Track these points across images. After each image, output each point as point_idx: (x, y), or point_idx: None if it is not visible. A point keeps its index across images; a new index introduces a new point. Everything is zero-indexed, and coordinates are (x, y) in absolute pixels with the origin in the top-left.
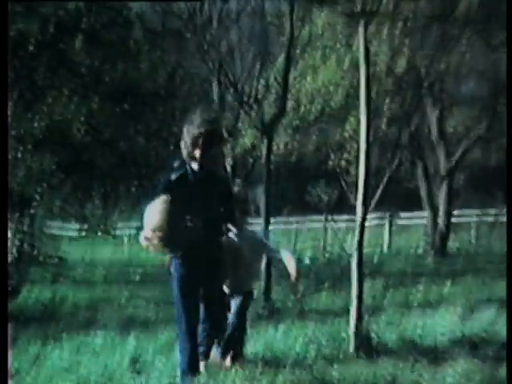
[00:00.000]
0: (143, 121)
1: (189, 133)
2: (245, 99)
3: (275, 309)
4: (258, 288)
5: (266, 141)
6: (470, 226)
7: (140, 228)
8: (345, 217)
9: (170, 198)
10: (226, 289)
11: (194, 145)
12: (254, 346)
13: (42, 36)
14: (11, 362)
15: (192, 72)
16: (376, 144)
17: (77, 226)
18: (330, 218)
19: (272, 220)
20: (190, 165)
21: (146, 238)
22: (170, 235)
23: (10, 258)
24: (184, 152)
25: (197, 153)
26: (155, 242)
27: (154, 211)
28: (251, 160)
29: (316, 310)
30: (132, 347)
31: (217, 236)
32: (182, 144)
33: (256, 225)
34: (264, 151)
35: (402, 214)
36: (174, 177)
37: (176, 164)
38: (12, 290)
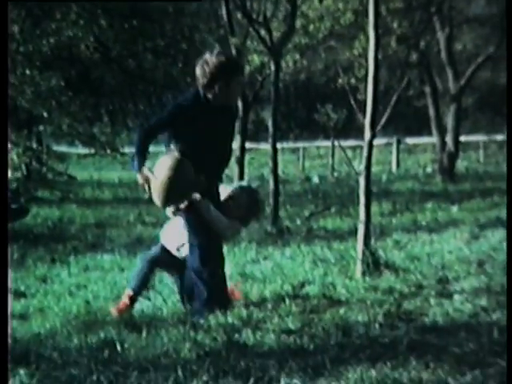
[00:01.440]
0: (151, 38)
1: (208, 63)
2: (253, 17)
3: (284, 228)
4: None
5: (274, 59)
6: (478, 146)
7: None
8: (353, 139)
9: (181, 157)
10: None
11: (213, 74)
12: (263, 265)
13: None
14: (15, 283)
15: None
16: (385, 63)
17: (85, 145)
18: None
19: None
20: (205, 95)
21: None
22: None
23: (19, 175)
24: (200, 81)
25: (215, 83)
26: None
27: (165, 166)
28: (260, 79)
29: (324, 230)
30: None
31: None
32: (199, 71)
33: (265, 143)
34: (273, 70)
35: (411, 134)
36: (185, 103)
37: (191, 92)
38: (20, 208)
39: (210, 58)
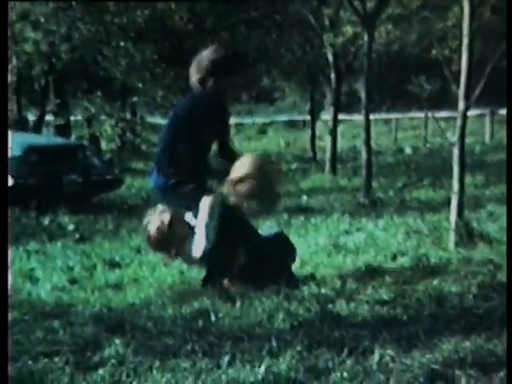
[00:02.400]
0: (245, 9)
1: (204, 57)
2: None
3: (377, 199)
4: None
5: (367, 30)
6: None
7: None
8: (446, 110)
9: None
10: None
11: (208, 69)
12: (356, 237)
13: None
14: (110, 253)
15: None
16: (479, 33)
17: None
18: (431, 109)
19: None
20: (200, 93)
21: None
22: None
23: (113, 146)
24: (194, 77)
25: (210, 78)
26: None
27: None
28: (353, 50)
29: (417, 201)
30: None
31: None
32: (194, 69)
33: (358, 114)
34: (366, 40)
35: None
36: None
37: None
38: (115, 179)
39: (207, 53)
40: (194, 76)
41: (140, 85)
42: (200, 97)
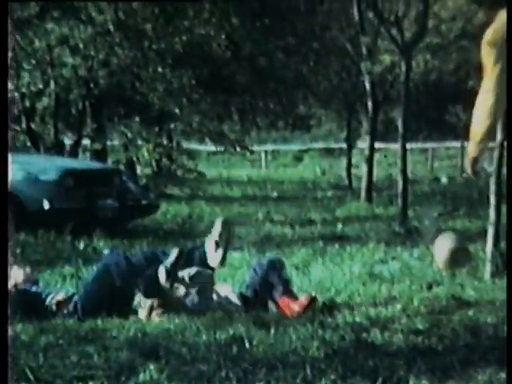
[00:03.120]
0: (283, 36)
1: None
2: (385, 16)
3: (412, 228)
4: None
5: (405, 59)
6: None
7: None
8: None
9: None
10: None
11: None
12: (391, 266)
13: None
14: None
15: None
16: None
17: (214, 142)
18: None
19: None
20: None
21: None
22: None
23: (149, 171)
24: None
25: None
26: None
27: None
28: (390, 78)
29: (453, 231)
30: None
31: None
32: None
33: (394, 143)
34: (403, 69)
35: None
36: None
37: None
38: (150, 204)
39: None
40: None
41: (177, 110)
42: None
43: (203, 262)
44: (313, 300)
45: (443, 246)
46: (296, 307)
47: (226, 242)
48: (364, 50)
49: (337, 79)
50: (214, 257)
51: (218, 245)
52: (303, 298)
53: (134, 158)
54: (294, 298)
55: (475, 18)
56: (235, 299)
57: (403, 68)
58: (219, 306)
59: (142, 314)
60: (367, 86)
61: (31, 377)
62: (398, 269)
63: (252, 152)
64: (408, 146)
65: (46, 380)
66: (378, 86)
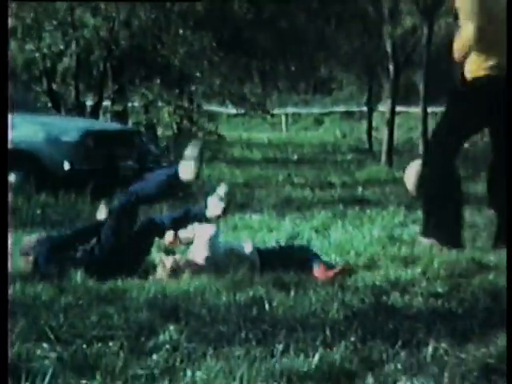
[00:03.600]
0: None
1: None
2: None
3: None
4: None
5: (427, 22)
6: None
7: None
8: None
9: None
10: None
11: None
12: (411, 229)
13: None
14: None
15: None
16: None
17: (235, 105)
18: None
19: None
20: None
21: None
22: None
23: (170, 134)
24: None
25: None
26: None
27: None
28: (411, 41)
29: (475, 195)
30: (289, 227)
31: None
32: None
33: (415, 107)
34: (425, 32)
35: None
36: None
37: None
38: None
39: None
40: None
41: (198, 73)
42: None
43: (200, 219)
44: (347, 270)
45: (412, 171)
46: (330, 273)
47: (229, 200)
48: (386, 13)
49: (358, 42)
50: (215, 207)
51: (221, 200)
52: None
53: (155, 120)
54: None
55: None
56: (254, 255)
57: (425, 31)
58: (232, 257)
59: (162, 272)
60: (388, 49)
61: (51, 336)
62: (417, 232)
63: (273, 115)
64: (429, 109)
65: (65, 340)
66: (400, 49)
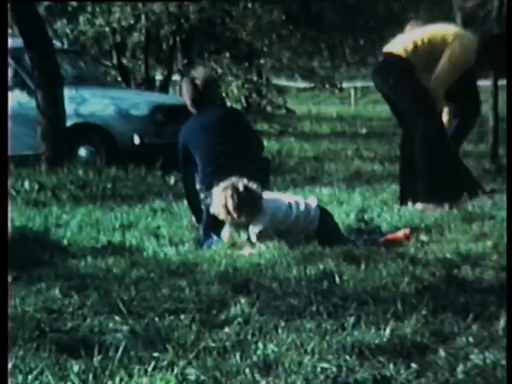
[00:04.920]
0: None
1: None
2: None
3: (503, 165)
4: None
5: None
6: None
7: None
8: None
9: None
10: None
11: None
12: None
13: None
14: None
15: None
16: None
17: (304, 78)
18: None
19: None
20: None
21: None
22: None
23: (239, 107)
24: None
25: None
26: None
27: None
28: (482, 14)
29: None
30: (358, 200)
31: None
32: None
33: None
34: (495, 5)
35: None
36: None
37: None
38: None
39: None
40: (190, 98)
41: (266, 47)
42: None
43: None
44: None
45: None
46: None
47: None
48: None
49: (428, 16)
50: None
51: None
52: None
53: (224, 94)
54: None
55: None
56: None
57: (495, 4)
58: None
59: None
60: (458, 22)
61: (123, 309)
62: (489, 205)
63: (341, 89)
64: (500, 82)
65: (137, 312)
66: (470, 23)
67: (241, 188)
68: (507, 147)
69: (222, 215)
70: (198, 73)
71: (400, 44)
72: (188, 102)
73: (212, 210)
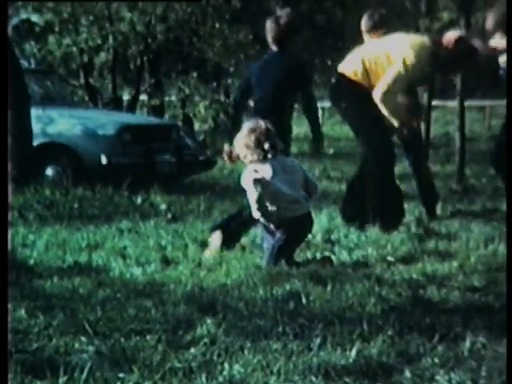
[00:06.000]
0: None
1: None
2: None
3: (469, 186)
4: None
5: (464, 16)
6: None
7: None
8: None
9: None
10: None
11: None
12: (449, 223)
13: None
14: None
15: None
16: None
17: None
18: None
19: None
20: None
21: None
22: None
23: (206, 128)
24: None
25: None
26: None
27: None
28: None
29: None
30: (325, 221)
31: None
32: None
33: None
34: (462, 27)
35: None
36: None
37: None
38: (207, 160)
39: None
40: (271, 36)
41: (234, 67)
42: (277, 56)
43: None
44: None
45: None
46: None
47: None
48: (423, 7)
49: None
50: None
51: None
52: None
53: (191, 114)
54: None
55: None
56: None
57: (462, 25)
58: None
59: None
60: None
61: (89, 330)
62: (456, 226)
63: None
64: (466, 103)
65: (103, 333)
66: None
67: (263, 126)
68: (507, 147)
69: (246, 150)
70: (284, 12)
71: (351, 65)
72: (269, 39)
73: (234, 143)
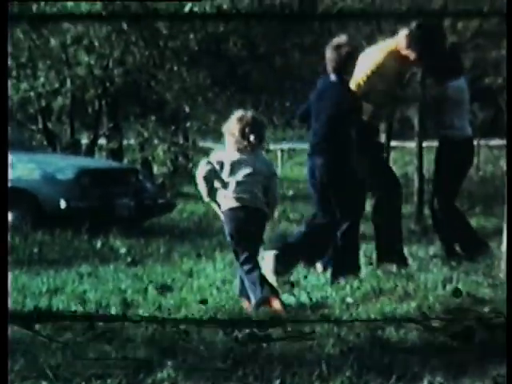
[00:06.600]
0: (299, 35)
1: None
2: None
3: (428, 226)
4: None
5: None
6: None
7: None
8: (498, 138)
9: None
10: None
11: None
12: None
13: None
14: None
15: None
16: None
17: None
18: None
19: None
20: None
21: None
22: None
23: (165, 171)
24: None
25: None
26: None
27: None
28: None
29: None
30: None
31: None
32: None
33: (410, 141)
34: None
35: None
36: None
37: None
38: (167, 203)
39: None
40: (332, 65)
41: (192, 110)
42: (337, 81)
43: None
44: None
45: None
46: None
47: None
48: None
49: None
50: None
51: None
52: None
53: (150, 157)
54: None
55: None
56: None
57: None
58: None
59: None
60: None
61: (50, 375)
62: (415, 266)
63: (268, 150)
64: (424, 144)
65: (64, 378)
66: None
67: (249, 116)
68: (507, 153)
69: (231, 138)
70: (343, 39)
71: None
72: (329, 68)
73: (224, 129)
